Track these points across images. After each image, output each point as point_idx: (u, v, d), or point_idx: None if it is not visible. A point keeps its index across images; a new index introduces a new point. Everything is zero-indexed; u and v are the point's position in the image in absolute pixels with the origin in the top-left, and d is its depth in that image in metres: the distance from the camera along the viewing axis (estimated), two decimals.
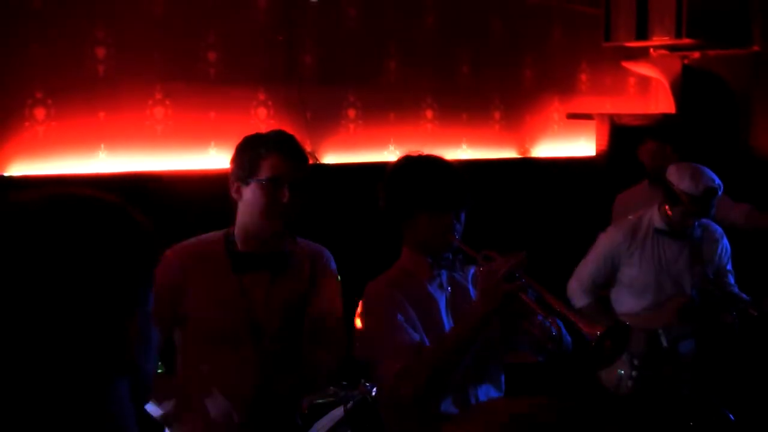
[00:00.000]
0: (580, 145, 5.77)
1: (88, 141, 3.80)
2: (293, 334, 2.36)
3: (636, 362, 3.44)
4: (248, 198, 2.32)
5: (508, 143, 5.43)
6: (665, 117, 5.66)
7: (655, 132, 4.41)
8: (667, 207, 3.51)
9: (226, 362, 2.34)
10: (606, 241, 3.62)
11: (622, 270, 3.55)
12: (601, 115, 5.55)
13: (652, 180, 4.51)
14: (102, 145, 3.84)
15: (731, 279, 3.71)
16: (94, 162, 3.82)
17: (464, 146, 5.20)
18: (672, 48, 5.51)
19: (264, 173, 2.28)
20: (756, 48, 5.48)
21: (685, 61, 5.65)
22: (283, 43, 4.38)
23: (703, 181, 3.37)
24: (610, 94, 6.02)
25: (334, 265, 2.53)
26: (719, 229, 3.69)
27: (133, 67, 3.90)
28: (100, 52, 3.82)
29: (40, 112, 3.66)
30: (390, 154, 4.86)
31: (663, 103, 6.05)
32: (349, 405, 2.31)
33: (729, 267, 3.70)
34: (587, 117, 5.59)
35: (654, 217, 3.57)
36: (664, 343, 3.45)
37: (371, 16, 4.74)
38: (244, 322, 2.34)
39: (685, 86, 5.65)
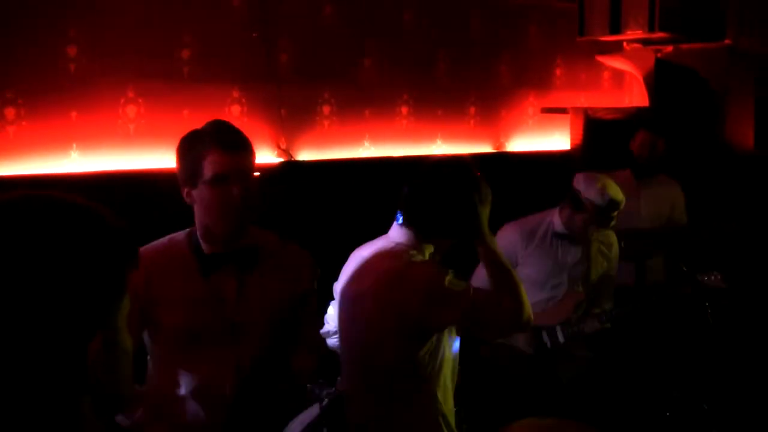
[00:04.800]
0: (555, 139, 5.79)
1: (59, 141, 3.76)
2: (271, 331, 2.29)
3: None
4: (200, 200, 2.23)
5: (483, 138, 5.44)
6: (639, 110, 5.70)
7: (648, 124, 4.46)
8: (568, 212, 3.58)
9: (200, 365, 2.29)
10: (503, 241, 3.62)
11: (518, 268, 3.57)
12: (576, 109, 5.58)
13: (640, 172, 4.54)
14: (74, 145, 3.80)
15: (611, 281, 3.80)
16: (66, 162, 3.78)
17: (439, 141, 5.20)
18: (645, 42, 5.55)
19: (208, 172, 2.18)
20: (728, 42, 5.52)
21: (659, 55, 5.69)
22: (257, 40, 4.36)
23: (610, 193, 3.44)
24: (585, 88, 6.04)
25: (311, 263, 2.48)
26: (612, 234, 3.77)
27: (105, 65, 3.87)
28: (72, 50, 3.78)
29: (10, 112, 3.62)
30: (365, 151, 4.85)
31: (637, 97, 6.09)
32: (324, 403, 2.30)
33: (613, 272, 3.78)
34: (562, 111, 5.62)
35: (554, 220, 3.65)
36: (561, 339, 3.51)
37: (347, 12, 4.73)
38: (217, 323, 2.29)
39: (658, 80, 5.70)
